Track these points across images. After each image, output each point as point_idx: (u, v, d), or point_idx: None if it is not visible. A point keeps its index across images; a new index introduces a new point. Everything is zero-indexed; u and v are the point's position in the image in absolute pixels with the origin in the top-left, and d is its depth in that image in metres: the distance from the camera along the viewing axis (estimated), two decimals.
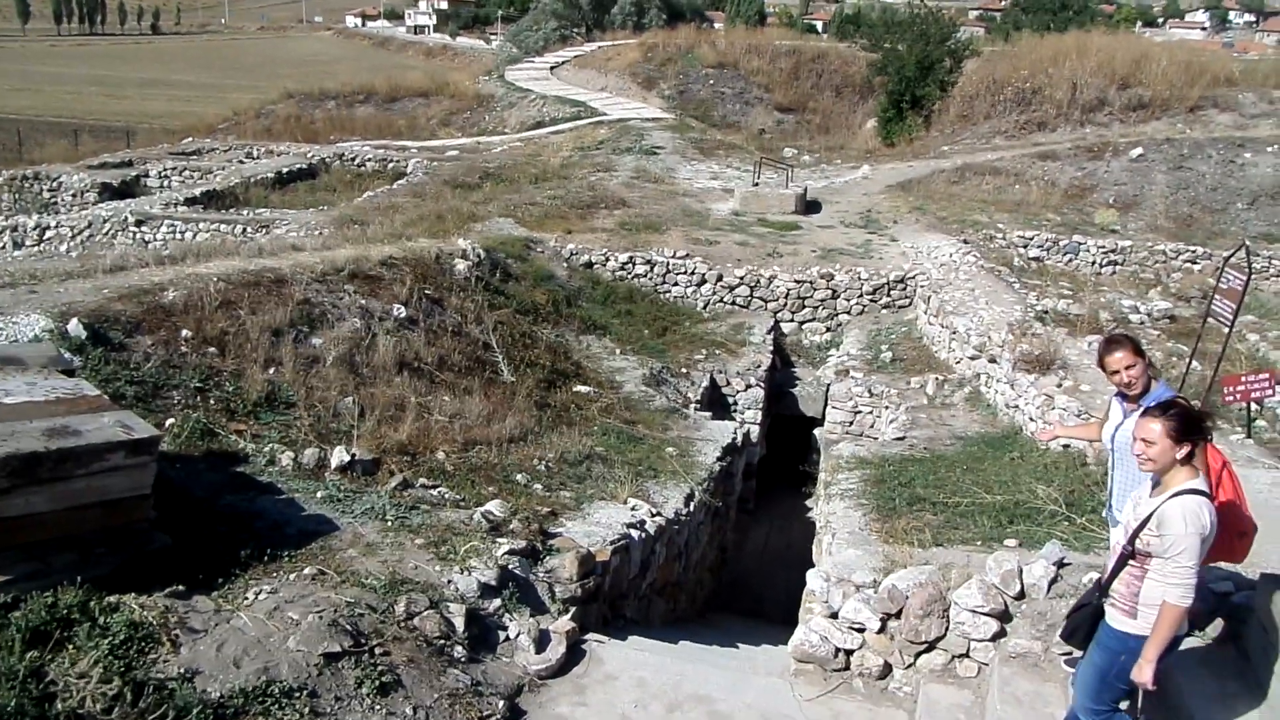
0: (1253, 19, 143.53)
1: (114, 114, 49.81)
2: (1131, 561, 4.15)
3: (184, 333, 8.00)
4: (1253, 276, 10.55)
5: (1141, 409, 4.55)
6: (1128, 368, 4.71)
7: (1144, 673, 4.03)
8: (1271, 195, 21.34)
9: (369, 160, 25.40)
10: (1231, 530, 4.50)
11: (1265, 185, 21.52)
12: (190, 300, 8.46)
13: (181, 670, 4.27)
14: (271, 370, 8.08)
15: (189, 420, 6.87)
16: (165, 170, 24.31)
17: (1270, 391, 9.62)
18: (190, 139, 29.71)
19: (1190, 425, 4.04)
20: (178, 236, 18.21)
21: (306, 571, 5.32)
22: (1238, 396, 9.47)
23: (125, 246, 17.32)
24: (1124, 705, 4.38)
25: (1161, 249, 18.64)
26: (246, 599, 4.94)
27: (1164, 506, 4.01)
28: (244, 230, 17.93)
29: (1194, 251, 18.53)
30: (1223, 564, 4.91)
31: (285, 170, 23.77)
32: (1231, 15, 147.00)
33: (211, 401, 7.37)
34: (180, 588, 4.80)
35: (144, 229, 18.71)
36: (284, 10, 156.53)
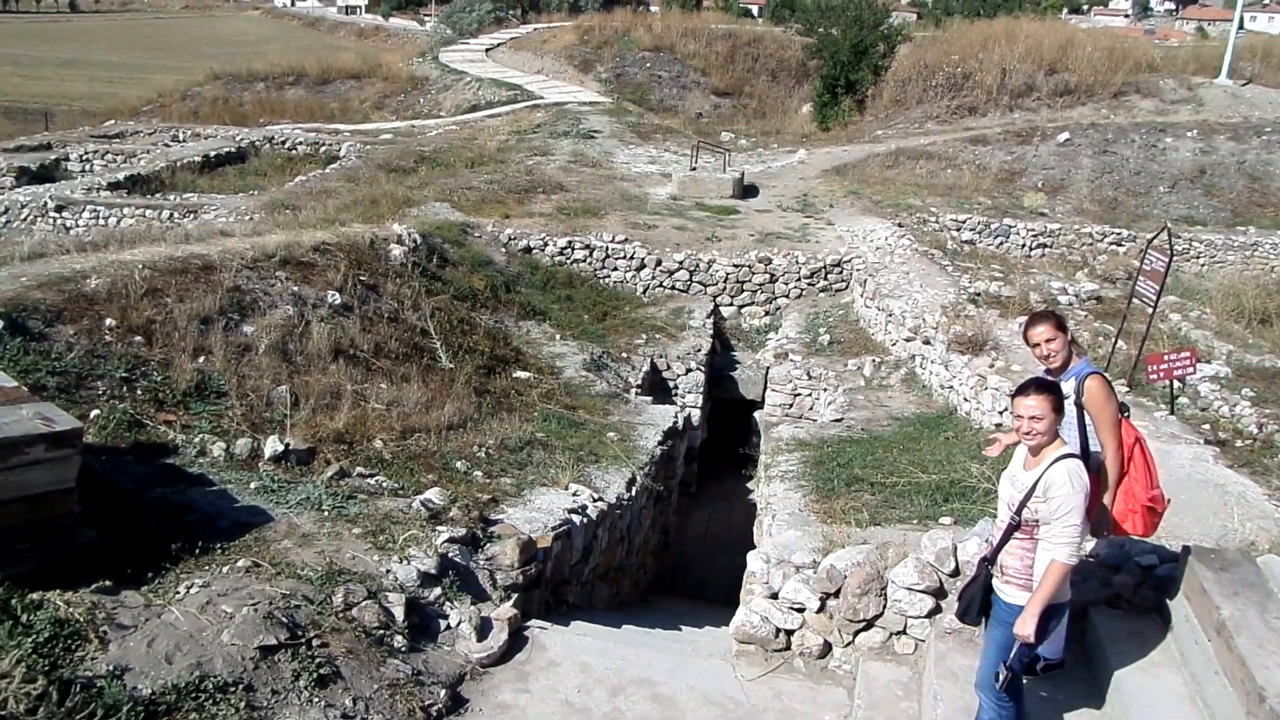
0: (1173, 7, 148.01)
1: (31, 95, 47.93)
2: (1018, 533, 4.24)
3: (108, 322, 7.75)
4: (1174, 258, 10.91)
5: (1065, 380, 4.73)
6: (1048, 340, 4.83)
7: (1025, 625, 4.10)
8: (1191, 179, 22.04)
9: (300, 144, 24.84)
10: (1140, 502, 4.66)
11: (1185, 169, 22.21)
12: (114, 288, 8.19)
13: (110, 668, 4.15)
14: (201, 359, 7.87)
15: (115, 411, 6.67)
16: (87, 154, 23.47)
17: (1191, 369, 9.95)
18: (113, 121, 28.74)
19: (1062, 397, 4.26)
20: (101, 222, 17.61)
21: (240, 564, 5.21)
22: (1161, 375, 9.77)
23: (45, 233, 16.69)
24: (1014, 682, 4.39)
25: (1088, 232, 19.14)
26: (178, 593, 4.82)
27: (1049, 472, 4.14)
28: (170, 215, 17.42)
29: (1119, 234, 19.06)
30: (1140, 537, 5.04)
31: (213, 154, 23.14)
32: (1153, 3, 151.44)
33: (139, 392, 7.16)
34: (108, 583, 4.66)
35: (65, 215, 18.05)
36: None
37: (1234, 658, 4.25)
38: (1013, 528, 4.27)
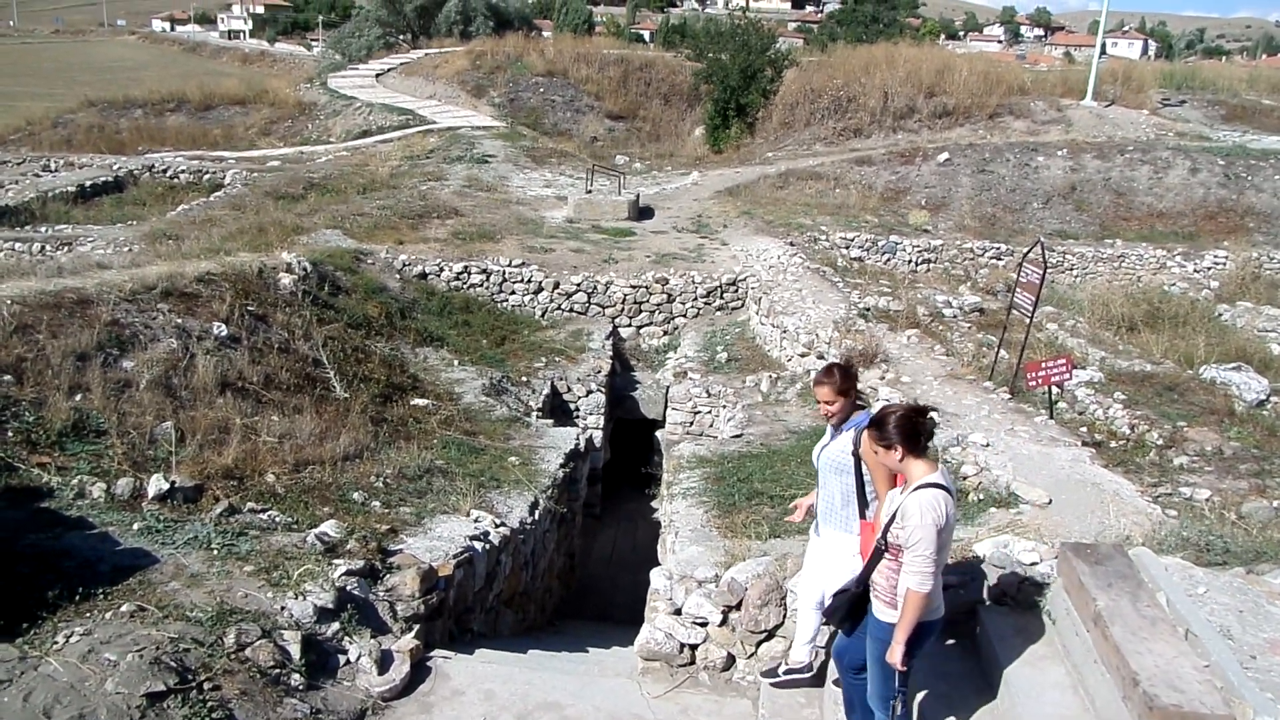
0: (1041, 33, 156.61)
1: None
2: (886, 555, 4.37)
3: None
4: (1049, 271, 11.46)
5: (844, 432, 4.97)
6: (828, 403, 5.04)
7: (894, 654, 4.27)
8: (1063, 195, 23.20)
9: (182, 172, 24.05)
10: None
11: (1057, 186, 23.37)
12: None
13: None
14: (78, 397, 7.53)
15: None
16: None
17: (1068, 375, 10.45)
18: None
19: (899, 430, 4.27)
20: None
21: (124, 609, 4.99)
22: (1039, 381, 10.23)
23: None
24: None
25: (969, 247, 19.94)
26: (56, 643, 4.59)
27: (904, 501, 4.26)
28: (42, 248, 16.61)
29: (998, 249, 19.92)
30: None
31: (88, 183, 22.22)
32: (1023, 29, 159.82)
33: (9, 434, 6.80)
34: None
35: None
36: (81, 13, 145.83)
37: (1110, 646, 4.47)
38: (879, 551, 4.40)
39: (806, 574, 5.41)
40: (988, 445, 8.97)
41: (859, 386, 5.29)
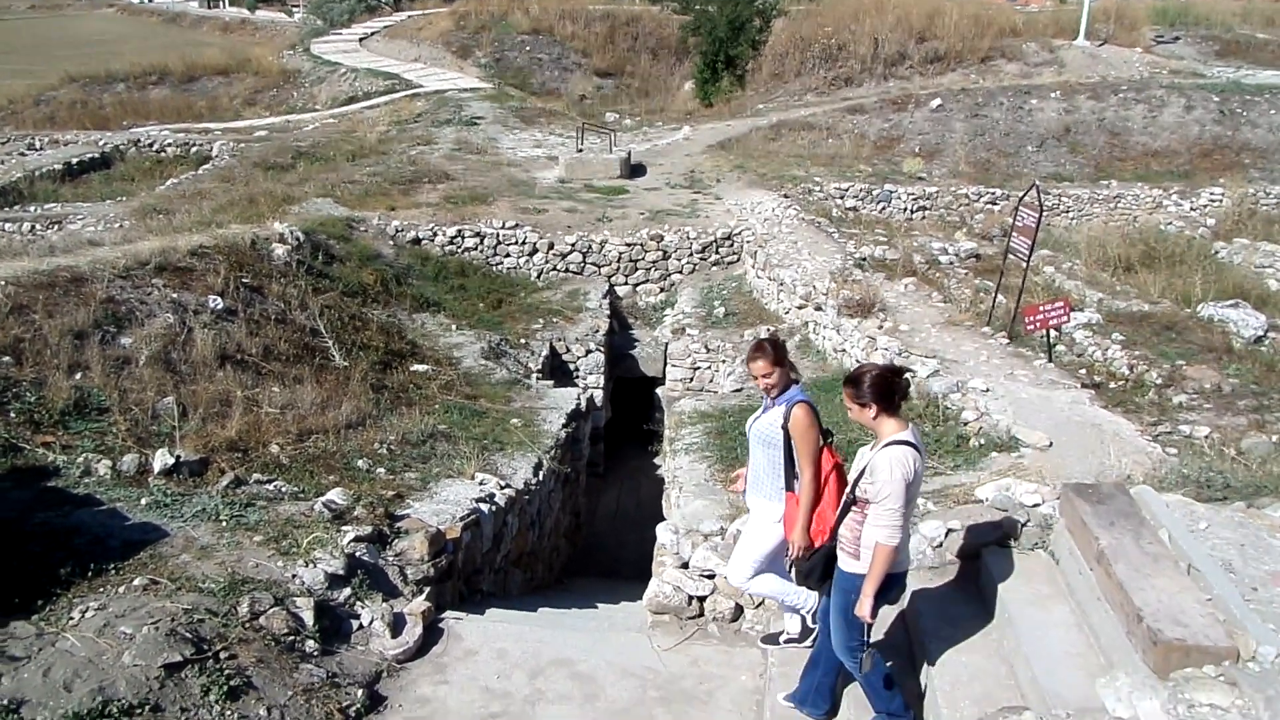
0: None
1: None
2: (854, 508, 4.48)
3: None
4: (1044, 214, 11.41)
5: (776, 406, 5.04)
6: (764, 376, 5.06)
7: (862, 607, 4.39)
8: (1057, 138, 23.02)
9: (169, 145, 23.81)
10: (828, 525, 4.84)
11: (1051, 129, 23.18)
12: None
13: (5, 702, 3.98)
14: (78, 375, 7.53)
15: None
16: None
17: (1065, 318, 10.46)
18: None
19: (873, 389, 4.36)
20: None
21: (137, 583, 5.04)
22: (1037, 325, 10.24)
23: None
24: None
25: (964, 193, 19.84)
26: (72, 619, 4.64)
27: (874, 456, 4.37)
28: (32, 228, 16.49)
29: (993, 194, 19.81)
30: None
31: (75, 160, 22.00)
32: None
33: (11, 414, 6.81)
34: None
35: None
36: None
37: (1113, 583, 4.53)
38: (849, 503, 4.51)
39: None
40: (987, 390, 9.00)
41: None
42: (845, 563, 4.54)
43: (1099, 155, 22.63)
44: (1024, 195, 11.06)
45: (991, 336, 10.74)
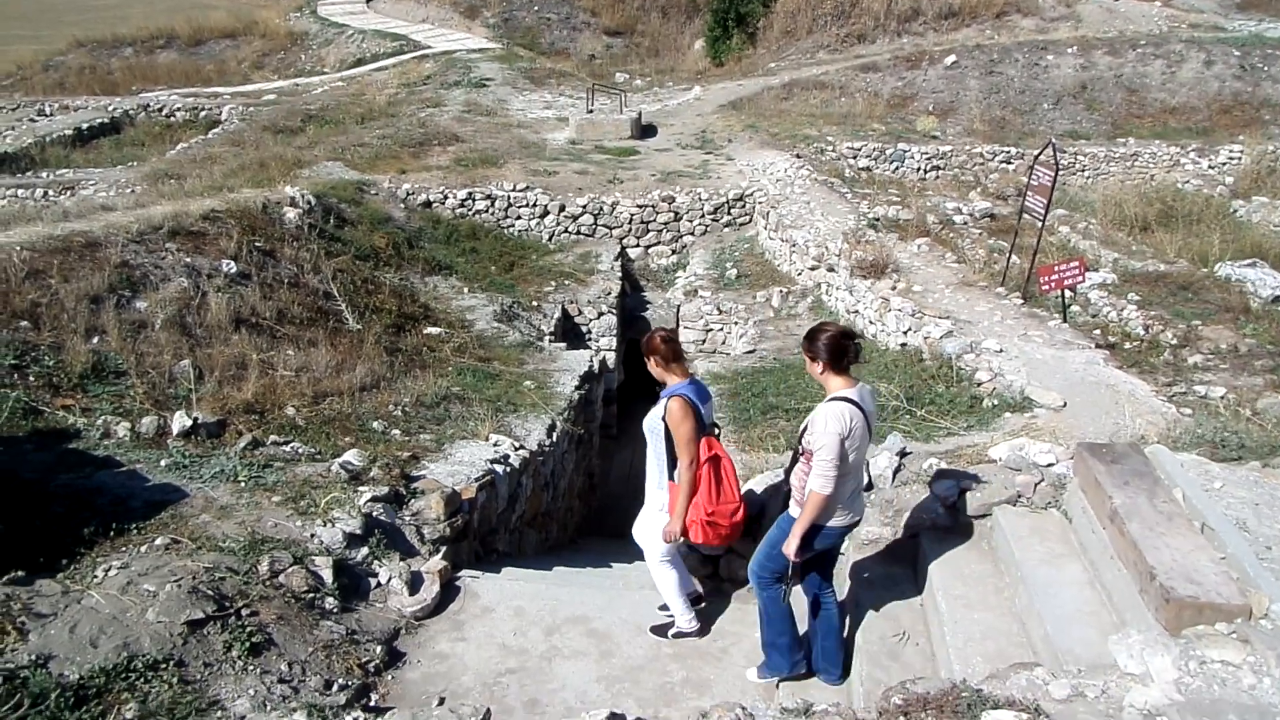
0: None
1: None
2: (802, 458, 4.68)
3: None
4: (1060, 172, 11.30)
5: (664, 398, 5.23)
6: (652, 370, 5.35)
7: (789, 545, 4.63)
8: (1073, 95, 22.72)
9: (178, 110, 23.76)
10: (700, 515, 5.15)
11: (1067, 85, 22.87)
12: None
13: (33, 657, 4.06)
14: (95, 339, 7.58)
15: (7, 400, 6.40)
16: None
17: (1080, 278, 10.40)
18: None
19: (826, 346, 4.58)
20: None
21: (158, 542, 5.12)
22: (1052, 285, 10.19)
23: None
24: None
25: (979, 151, 19.65)
26: (96, 577, 4.71)
27: (815, 410, 4.63)
28: (45, 194, 16.53)
29: (1008, 152, 19.62)
30: (706, 545, 5.52)
31: (85, 126, 22.00)
32: None
33: (31, 378, 6.87)
34: (20, 574, 4.54)
35: None
36: None
37: (1127, 542, 4.54)
38: (796, 455, 4.76)
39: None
40: (1001, 351, 8.98)
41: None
42: (792, 508, 4.80)
43: (1116, 112, 22.35)
44: (1040, 153, 10.95)
45: (1005, 297, 10.69)
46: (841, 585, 5.73)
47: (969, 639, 4.76)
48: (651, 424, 5.29)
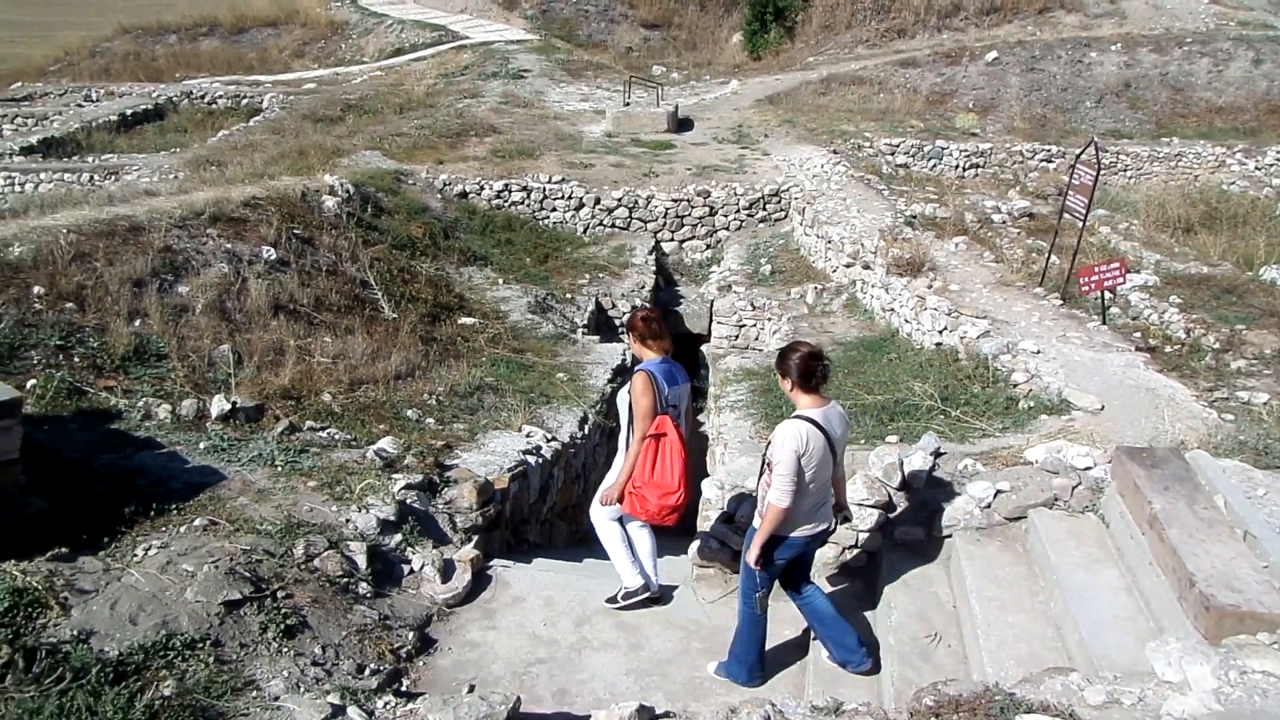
0: None
1: None
2: (766, 470, 4.82)
3: (36, 289, 7.53)
4: (1102, 172, 11.13)
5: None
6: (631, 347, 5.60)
7: (750, 554, 4.82)
8: (1116, 93, 22.38)
9: (220, 97, 24.06)
10: (632, 486, 5.43)
11: (1110, 83, 22.54)
12: (40, 255, 7.94)
13: (75, 632, 4.14)
14: (138, 322, 7.71)
15: (52, 380, 6.53)
16: None
17: (1121, 279, 10.25)
18: (19, 84, 27.39)
19: (795, 366, 4.75)
20: (17, 189, 16.93)
21: (197, 523, 5.20)
22: (1092, 286, 10.05)
23: None
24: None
25: (1019, 150, 19.41)
26: (136, 555, 4.80)
27: (775, 428, 4.79)
28: (90, 178, 16.81)
29: (1048, 151, 19.36)
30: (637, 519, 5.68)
31: (130, 112, 22.33)
32: None
33: (75, 359, 7.00)
34: (64, 550, 4.63)
35: None
36: None
37: (1166, 548, 4.48)
38: (764, 467, 4.89)
39: None
40: (1038, 352, 8.87)
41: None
42: (755, 519, 4.94)
43: (1160, 111, 22.00)
44: (1081, 152, 10.79)
45: (1044, 297, 10.55)
46: (875, 585, 5.71)
47: (1002, 642, 4.73)
48: (620, 396, 5.58)
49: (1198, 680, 3.68)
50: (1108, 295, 10.43)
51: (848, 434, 5.04)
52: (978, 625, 4.88)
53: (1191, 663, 3.79)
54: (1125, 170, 19.55)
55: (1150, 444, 6.65)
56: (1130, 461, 5.21)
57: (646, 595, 5.76)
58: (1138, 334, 10.21)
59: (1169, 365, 9.31)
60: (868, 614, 5.56)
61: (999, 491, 5.79)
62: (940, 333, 9.95)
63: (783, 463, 4.59)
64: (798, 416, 4.70)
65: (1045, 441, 6.51)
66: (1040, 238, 13.14)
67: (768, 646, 5.21)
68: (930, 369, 9.14)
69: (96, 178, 16.76)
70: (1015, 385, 8.33)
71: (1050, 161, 19.13)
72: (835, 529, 5.55)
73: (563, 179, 15.89)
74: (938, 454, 6.22)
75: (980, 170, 19.08)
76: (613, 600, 5.77)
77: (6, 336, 6.90)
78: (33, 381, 6.46)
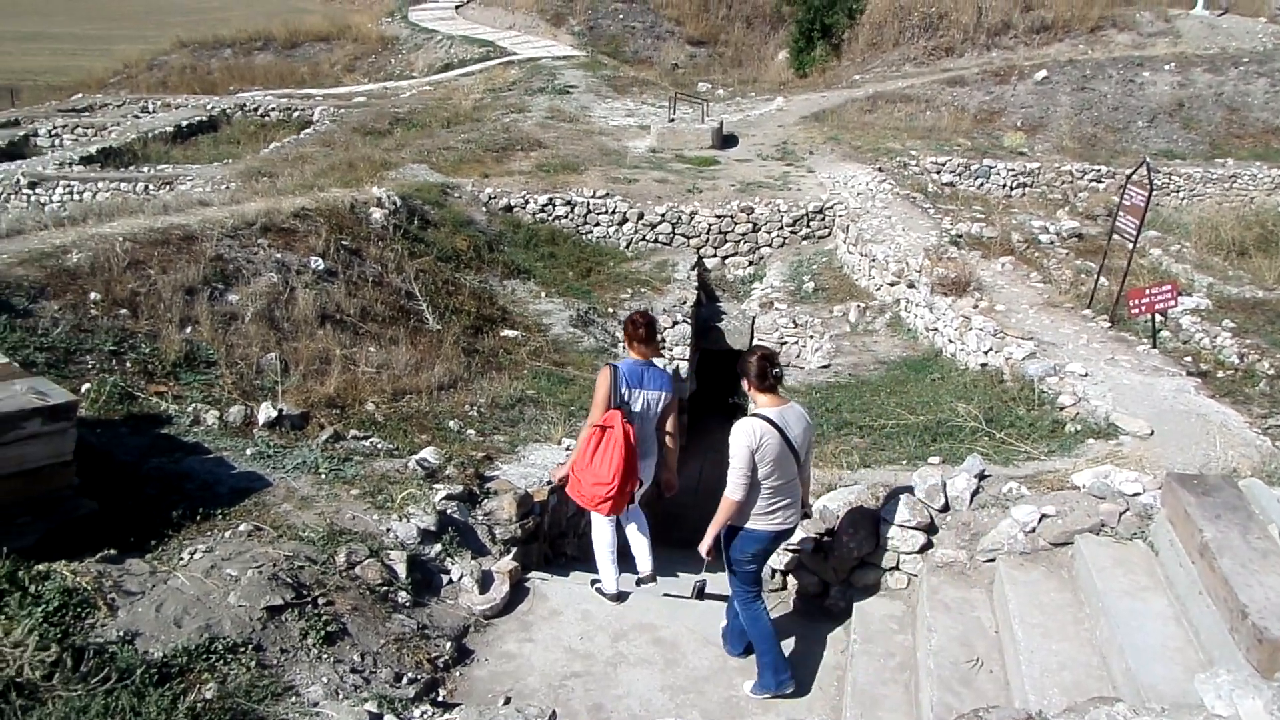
0: None
1: None
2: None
3: (92, 295, 7.72)
4: (1154, 193, 10.95)
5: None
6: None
7: (702, 544, 5.14)
8: (1169, 113, 22.03)
9: (272, 110, 24.52)
10: (580, 485, 5.75)
11: (1163, 103, 22.19)
12: (96, 262, 8.15)
13: (121, 633, 4.22)
14: (188, 329, 7.87)
15: (106, 384, 6.67)
16: (56, 129, 23.10)
17: (1173, 302, 10.05)
18: (80, 95, 28.17)
19: (752, 367, 5.04)
20: (75, 197, 17.40)
21: (242, 528, 5.27)
22: (1143, 309, 9.87)
23: (20, 210, 16.49)
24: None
25: (1068, 169, 19.15)
26: (182, 559, 4.88)
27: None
28: (146, 187, 17.22)
29: (1098, 171, 19.08)
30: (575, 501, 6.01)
31: (185, 123, 22.84)
32: None
33: (128, 364, 7.16)
34: (112, 552, 4.72)
35: (38, 191, 17.81)
36: None
37: (1217, 578, 4.37)
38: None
39: None
40: (1086, 375, 8.73)
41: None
42: None
43: (1214, 132, 21.61)
44: (1133, 172, 10.63)
45: (1092, 319, 10.39)
46: (916, 608, 5.63)
47: (1046, 669, 4.64)
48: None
49: (1250, 715, 3.58)
50: (1158, 318, 10.24)
51: (810, 434, 5.25)
52: (1021, 651, 4.79)
53: (1243, 696, 3.69)
54: (1178, 191, 19.20)
55: (1201, 471, 6.51)
56: (1180, 488, 5.09)
57: (615, 601, 5.99)
58: (1189, 358, 10.02)
59: (1221, 391, 9.11)
60: (908, 636, 5.49)
61: (1044, 516, 5.70)
62: (985, 353, 9.84)
63: (736, 457, 4.88)
64: (753, 414, 4.98)
65: (1092, 466, 6.40)
66: (1089, 259, 12.95)
67: (802, 668, 5.16)
68: (974, 390, 9.03)
69: (152, 187, 17.16)
70: (1061, 408, 8.21)
71: (1100, 182, 18.86)
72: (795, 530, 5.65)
73: (607, 194, 15.97)
74: (982, 476, 6.14)
75: (1028, 190, 18.86)
76: (596, 583, 6.09)
77: (63, 341, 7.07)
78: (87, 385, 6.61)
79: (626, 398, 5.73)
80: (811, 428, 5.28)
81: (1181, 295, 10.87)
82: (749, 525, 5.04)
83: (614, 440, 5.58)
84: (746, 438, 4.88)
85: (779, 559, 6.03)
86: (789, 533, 5.26)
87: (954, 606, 5.43)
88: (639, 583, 6.18)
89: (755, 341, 13.34)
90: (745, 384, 5.14)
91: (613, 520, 6.07)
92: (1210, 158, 20.52)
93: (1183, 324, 10.90)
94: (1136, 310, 9.91)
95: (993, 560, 5.67)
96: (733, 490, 4.93)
